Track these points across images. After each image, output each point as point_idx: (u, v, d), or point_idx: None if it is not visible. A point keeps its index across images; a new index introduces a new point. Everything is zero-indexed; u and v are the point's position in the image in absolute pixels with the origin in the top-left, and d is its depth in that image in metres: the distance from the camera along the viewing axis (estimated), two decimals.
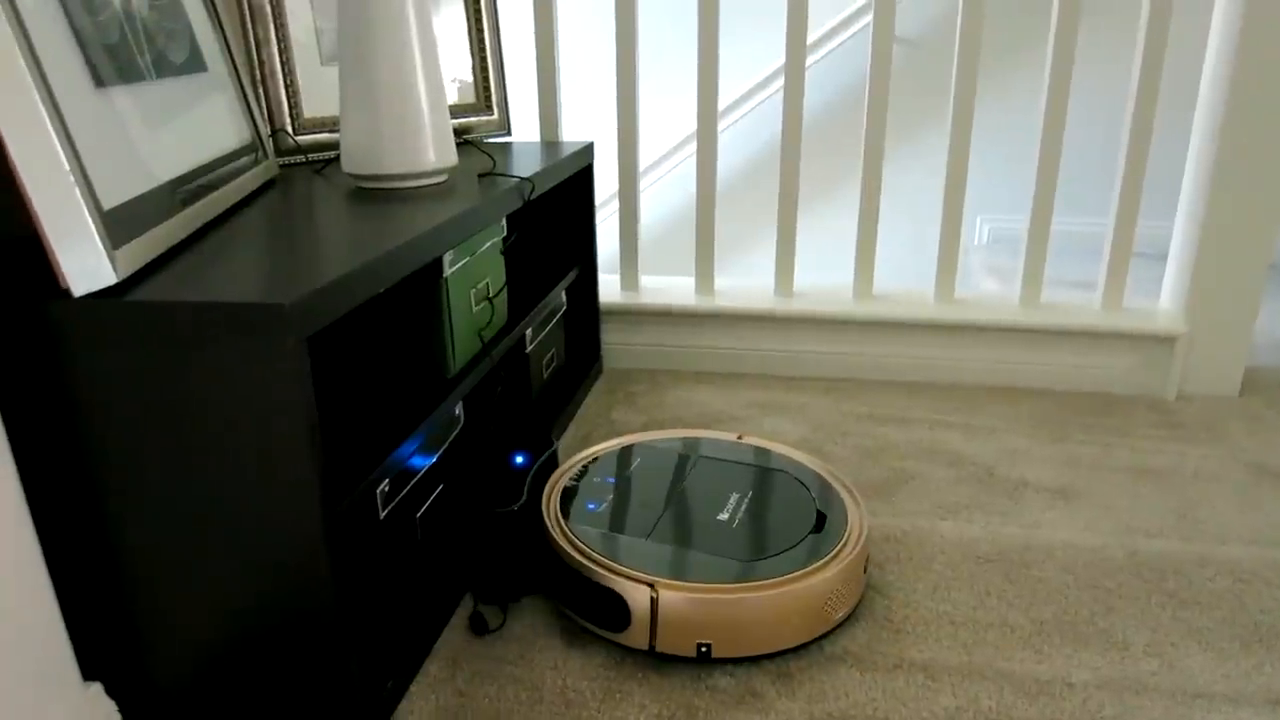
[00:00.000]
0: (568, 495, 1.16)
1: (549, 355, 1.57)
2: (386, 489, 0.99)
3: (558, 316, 1.61)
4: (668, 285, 1.89)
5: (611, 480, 1.19)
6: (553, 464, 1.23)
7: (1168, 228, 1.71)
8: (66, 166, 0.74)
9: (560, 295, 1.59)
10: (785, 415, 1.63)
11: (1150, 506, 1.33)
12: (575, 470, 1.21)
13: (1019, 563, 1.19)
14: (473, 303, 1.19)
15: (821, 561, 1.03)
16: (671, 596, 0.99)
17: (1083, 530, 1.27)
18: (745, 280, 1.92)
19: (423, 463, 1.08)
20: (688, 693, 0.98)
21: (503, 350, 1.28)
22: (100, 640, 0.90)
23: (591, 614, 1.04)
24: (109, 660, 0.91)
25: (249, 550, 0.82)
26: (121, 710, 0.93)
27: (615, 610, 1.01)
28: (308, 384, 0.77)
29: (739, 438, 1.29)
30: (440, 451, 1.12)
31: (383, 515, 0.99)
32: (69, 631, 0.88)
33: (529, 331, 1.45)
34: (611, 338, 1.85)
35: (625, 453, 1.27)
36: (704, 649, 1.00)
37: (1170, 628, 1.07)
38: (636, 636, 1.01)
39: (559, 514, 1.12)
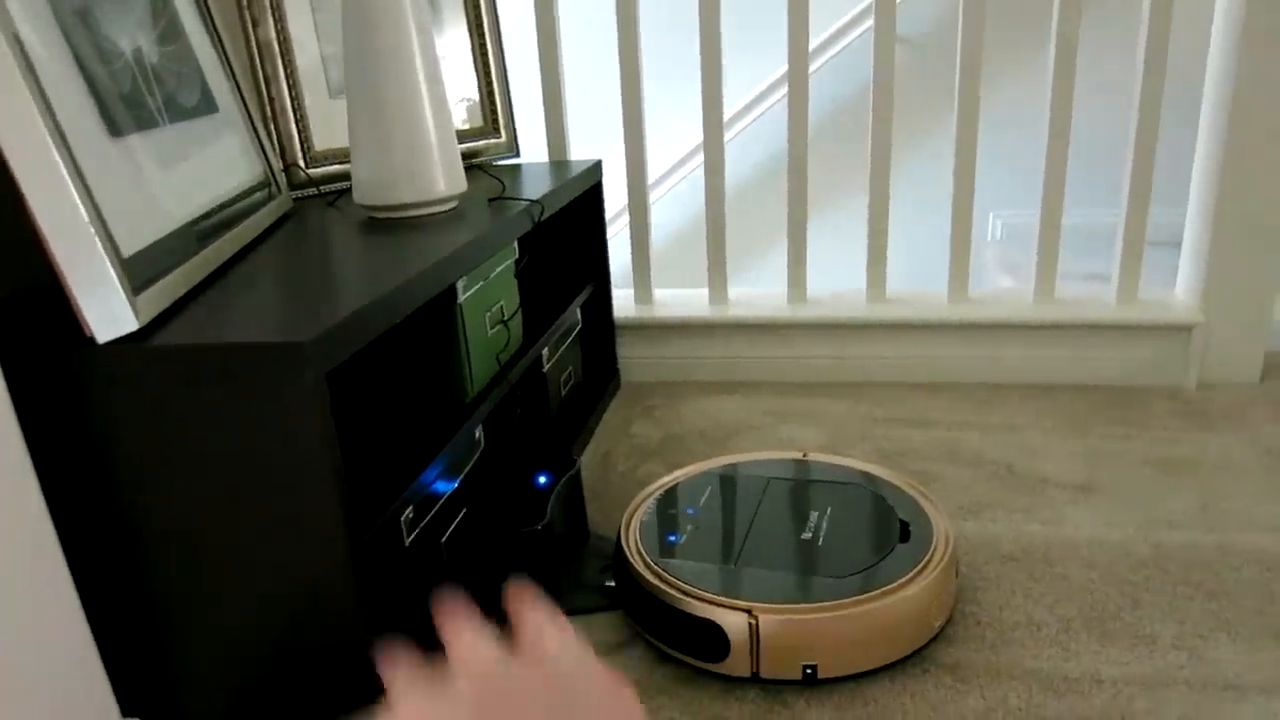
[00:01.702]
0: (646, 529, 1.14)
1: (566, 373, 1.59)
2: (410, 516, 1.01)
3: (573, 334, 1.62)
4: (681, 297, 1.91)
5: (690, 511, 1.18)
6: (577, 482, 1.25)
7: (1181, 214, 1.71)
8: (86, 218, 0.76)
9: (575, 313, 1.61)
10: (804, 422, 1.64)
11: (1173, 498, 1.32)
12: (649, 504, 1.20)
13: (1043, 560, 1.19)
14: (488, 326, 1.20)
15: (917, 570, 1.02)
16: (771, 621, 0.97)
17: (1106, 525, 1.26)
18: (758, 288, 1.93)
19: (445, 488, 1.10)
20: (718, 705, 0.98)
21: (520, 371, 1.29)
22: (136, 675, 0.92)
23: (687, 646, 1.03)
24: (145, 695, 0.93)
25: (276, 583, 0.84)
26: None
27: (713, 641, 1.00)
28: (329, 418, 0.79)
29: (803, 455, 1.28)
30: (462, 475, 1.14)
31: (408, 542, 1.01)
32: (106, 668, 0.90)
33: (545, 350, 1.46)
34: (627, 352, 1.86)
35: (693, 482, 1.25)
36: (809, 670, 0.98)
37: (1198, 620, 1.07)
38: (738, 665, 0.99)
39: (640, 548, 1.10)
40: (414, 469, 0.99)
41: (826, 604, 0.98)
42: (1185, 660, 1.01)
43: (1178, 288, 1.74)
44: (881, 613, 0.99)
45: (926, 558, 1.05)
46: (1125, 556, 1.19)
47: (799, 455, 1.29)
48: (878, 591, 1.00)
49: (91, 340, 0.78)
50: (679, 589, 1.03)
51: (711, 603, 1.00)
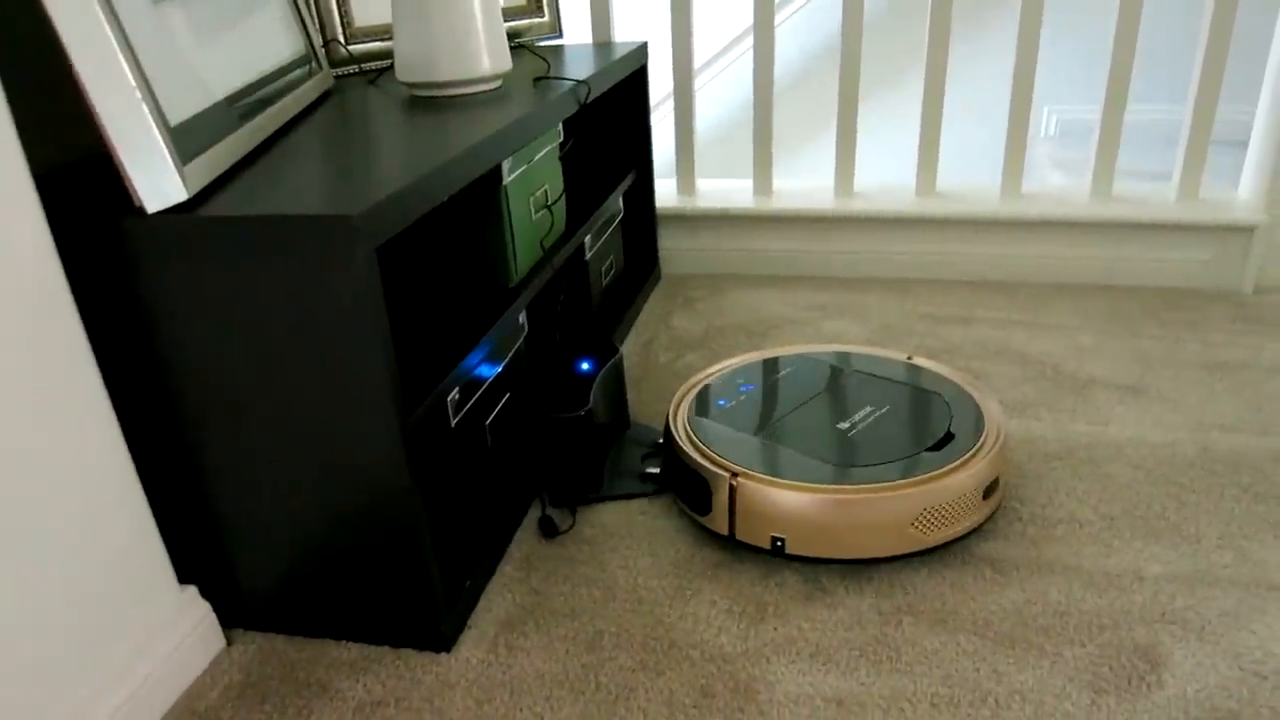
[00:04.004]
0: (706, 391, 1.20)
1: (607, 262, 1.57)
2: (456, 397, 1.01)
3: (615, 223, 1.60)
4: (725, 188, 1.87)
5: (752, 386, 1.21)
6: (618, 370, 1.24)
7: (1246, 113, 1.63)
8: (133, 85, 0.74)
9: (617, 201, 1.58)
10: (848, 317, 1.62)
11: (1224, 401, 1.30)
12: (724, 372, 1.25)
13: (1087, 460, 1.18)
14: (532, 210, 1.18)
15: (911, 479, 1.00)
16: (749, 487, 1.01)
17: (1153, 426, 1.25)
18: (804, 181, 1.88)
19: (489, 371, 1.10)
20: (757, 588, 1.00)
21: (562, 258, 1.28)
22: (194, 546, 0.94)
23: (683, 494, 1.10)
24: (202, 565, 0.95)
25: (329, 458, 0.85)
26: (215, 611, 0.97)
27: (700, 494, 1.06)
28: (379, 294, 0.78)
29: (909, 358, 1.25)
30: (506, 360, 1.14)
31: (454, 423, 1.01)
32: (164, 539, 0.92)
33: (588, 239, 1.44)
34: (669, 243, 1.84)
35: (778, 360, 1.27)
36: (779, 543, 1.02)
37: (1244, 521, 1.06)
38: (718, 521, 1.05)
39: (687, 405, 1.17)
40: (459, 351, 0.99)
41: (803, 484, 1.00)
42: (1230, 560, 1.00)
43: (1241, 188, 1.67)
44: (853, 507, 0.98)
45: (933, 472, 1.00)
46: (1172, 457, 1.18)
47: (904, 357, 1.26)
48: (858, 486, 0.99)
49: (141, 210, 0.77)
50: (689, 440, 1.10)
51: (707, 459, 1.06)
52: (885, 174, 1.84)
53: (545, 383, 1.21)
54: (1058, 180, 2.61)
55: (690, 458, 1.07)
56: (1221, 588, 0.97)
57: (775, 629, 0.94)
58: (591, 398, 1.15)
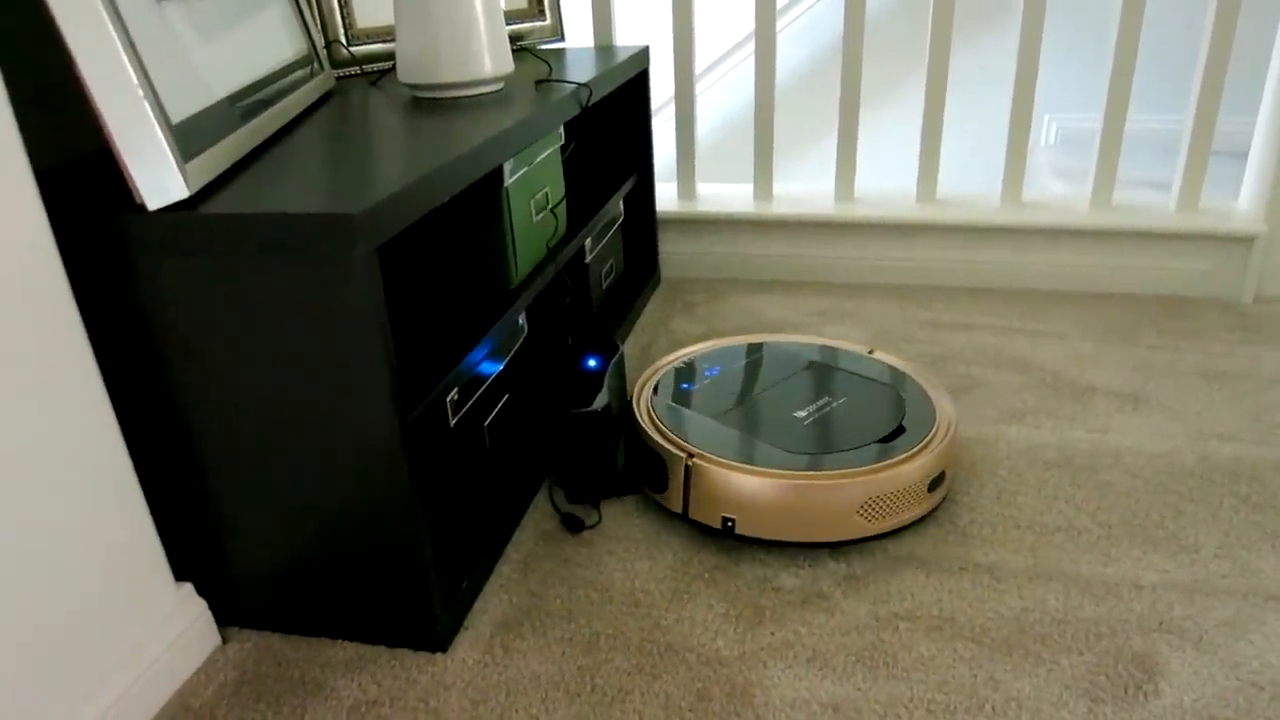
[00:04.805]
0: (666, 377, 1.23)
1: (607, 265, 1.57)
2: (455, 397, 1.01)
3: (615, 226, 1.60)
4: (725, 193, 1.87)
5: (717, 370, 1.24)
6: (621, 367, 1.24)
7: (1246, 124, 1.64)
8: (135, 82, 0.74)
9: (618, 204, 1.58)
10: (848, 323, 1.62)
11: (1223, 411, 1.30)
12: (683, 359, 1.28)
13: (1086, 467, 1.18)
14: (533, 212, 1.18)
15: (865, 467, 1.03)
16: (704, 467, 1.04)
17: (1152, 435, 1.25)
18: (805, 185, 1.88)
19: (489, 372, 1.10)
20: (754, 592, 1.00)
21: (563, 260, 1.28)
22: (190, 543, 0.94)
23: (643, 472, 1.13)
24: (198, 562, 0.95)
25: (327, 456, 0.85)
26: (211, 608, 0.97)
27: (658, 472, 1.10)
28: (379, 293, 0.78)
29: (869, 351, 1.29)
30: (505, 361, 1.14)
31: (453, 423, 1.01)
32: (161, 536, 0.92)
33: (588, 242, 1.44)
34: (669, 247, 1.84)
35: (746, 348, 1.31)
36: (729, 523, 1.05)
37: (1243, 531, 1.06)
38: (673, 500, 1.09)
39: (651, 392, 1.20)
40: (459, 352, 0.98)
41: (753, 467, 1.03)
42: (1228, 570, 1.00)
43: (1241, 198, 1.67)
44: (797, 492, 1.02)
45: (873, 464, 1.04)
46: (1171, 466, 1.18)
47: (865, 351, 1.30)
48: (802, 472, 1.03)
49: (142, 207, 0.77)
50: (650, 421, 1.14)
51: (666, 439, 1.09)
52: (886, 180, 1.84)
53: (555, 381, 1.22)
54: (1058, 188, 2.62)
55: (650, 438, 1.10)
56: (1220, 597, 0.96)
57: (772, 633, 0.94)
58: (602, 393, 1.15)
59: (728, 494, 1.04)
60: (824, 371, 1.24)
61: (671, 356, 1.29)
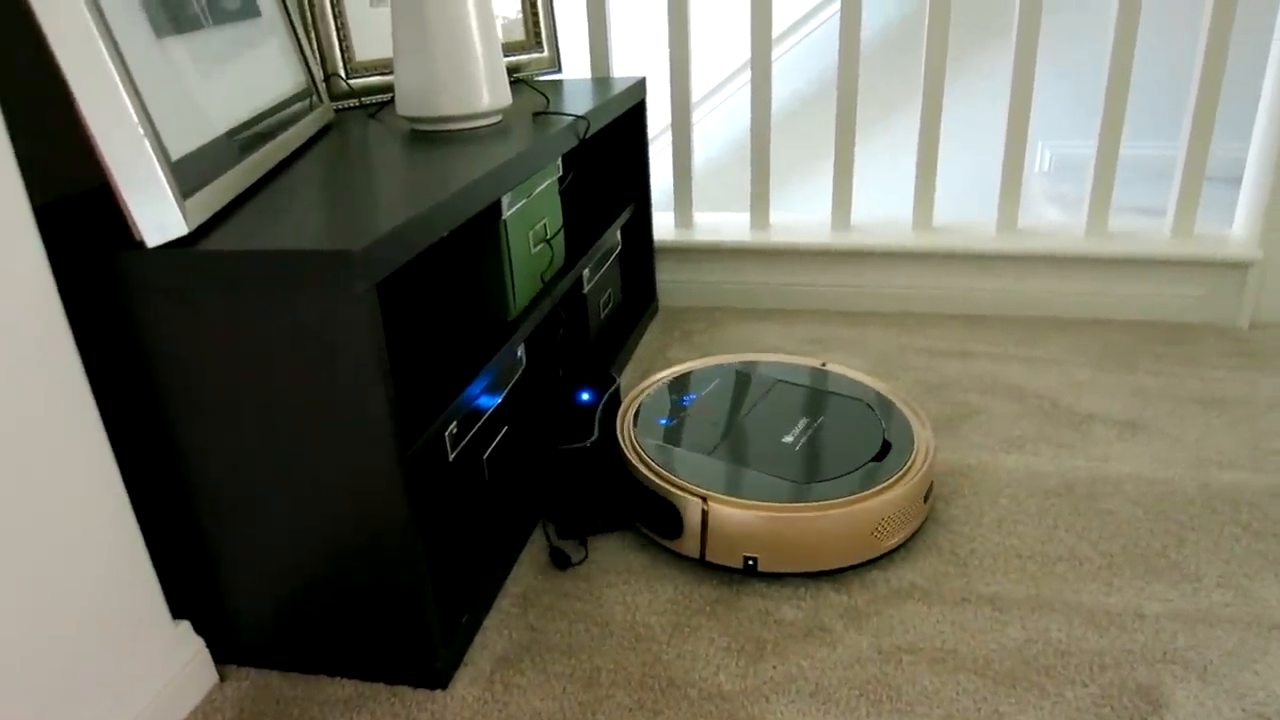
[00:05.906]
0: (643, 410, 1.21)
1: (605, 295, 1.57)
2: (454, 431, 1.01)
3: (613, 256, 1.60)
4: (722, 221, 1.87)
5: (688, 400, 1.23)
6: (616, 400, 1.24)
7: (1240, 150, 1.65)
8: (135, 118, 0.74)
9: (615, 234, 1.58)
10: (845, 350, 1.62)
11: (1222, 437, 1.30)
12: (654, 388, 1.26)
13: (1087, 495, 1.18)
14: (531, 244, 1.19)
15: (874, 489, 1.05)
16: (721, 510, 1.03)
17: (1152, 462, 1.25)
18: (801, 214, 1.89)
19: (488, 404, 1.09)
20: (756, 626, 0.99)
21: (561, 291, 1.28)
22: (187, 581, 0.93)
23: (650, 521, 1.10)
24: (196, 600, 0.94)
25: (326, 492, 0.84)
26: (209, 646, 0.96)
27: (670, 519, 1.07)
28: (378, 329, 0.78)
29: (822, 365, 1.31)
30: (504, 394, 1.13)
31: (451, 457, 1.01)
32: (158, 573, 0.91)
33: (586, 272, 1.45)
34: (666, 276, 1.84)
35: (703, 374, 1.30)
36: (751, 562, 1.04)
37: (1244, 559, 1.06)
38: (688, 545, 1.07)
39: (631, 427, 1.18)
40: (457, 386, 0.98)
41: (775, 504, 1.03)
42: (1231, 598, 1.00)
43: (1235, 224, 1.68)
44: (824, 522, 1.02)
45: (889, 480, 1.07)
46: (1172, 494, 1.18)
47: (818, 364, 1.32)
48: (826, 502, 1.03)
49: (141, 244, 0.77)
50: (650, 468, 1.11)
51: (675, 486, 1.07)
52: (882, 208, 1.85)
53: (547, 415, 1.21)
54: (1053, 215, 2.63)
55: (654, 484, 1.08)
56: (1223, 627, 0.96)
57: (774, 667, 0.93)
58: (596, 428, 1.15)
59: (751, 534, 1.03)
60: (791, 391, 1.25)
61: (636, 390, 1.28)
